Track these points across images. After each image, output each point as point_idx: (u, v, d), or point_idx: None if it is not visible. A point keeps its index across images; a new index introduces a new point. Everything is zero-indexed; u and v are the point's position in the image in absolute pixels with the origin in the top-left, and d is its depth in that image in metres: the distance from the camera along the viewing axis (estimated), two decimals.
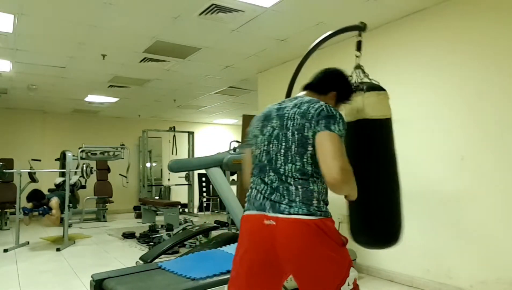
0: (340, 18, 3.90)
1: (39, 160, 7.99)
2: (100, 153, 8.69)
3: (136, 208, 9.33)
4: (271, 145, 1.52)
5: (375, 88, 1.99)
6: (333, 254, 1.42)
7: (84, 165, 7.59)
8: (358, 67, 2.12)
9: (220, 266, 2.81)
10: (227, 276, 2.63)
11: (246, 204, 1.58)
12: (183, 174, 9.63)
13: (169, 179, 9.87)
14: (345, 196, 1.55)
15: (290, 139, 1.47)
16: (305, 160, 1.45)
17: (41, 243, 5.99)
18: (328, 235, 1.41)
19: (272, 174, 1.50)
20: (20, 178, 5.91)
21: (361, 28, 2.17)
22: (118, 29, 4.27)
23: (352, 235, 2.01)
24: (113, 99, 8.12)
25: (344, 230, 1.99)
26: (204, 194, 10.39)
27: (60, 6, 3.66)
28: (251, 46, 4.88)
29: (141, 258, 4.02)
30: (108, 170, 9.42)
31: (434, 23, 3.62)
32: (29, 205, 5.52)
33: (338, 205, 1.93)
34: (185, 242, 5.02)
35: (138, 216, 8.81)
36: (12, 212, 7.22)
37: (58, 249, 5.35)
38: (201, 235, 5.34)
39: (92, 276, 2.75)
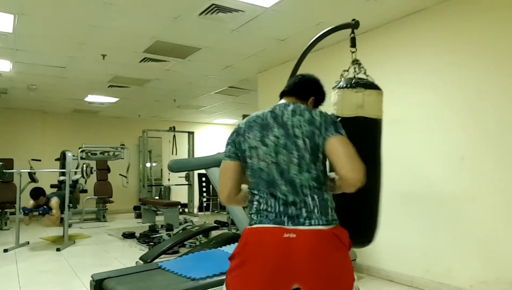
0: (340, 18, 3.87)
1: (39, 160, 7.99)
2: (100, 153, 8.70)
3: (136, 208, 9.34)
4: (280, 156, 1.45)
5: (375, 87, 1.99)
6: (345, 259, 1.46)
7: (84, 165, 7.58)
8: (355, 62, 2.14)
9: (220, 266, 2.80)
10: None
11: (253, 217, 1.49)
12: (183, 174, 9.64)
13: (169, 179, 9.87)
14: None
15: (302, 147, 1.43)
16: (318, 167, 1.45)
17: (41, 243, 5.99)
18: (342, 241, 1.44)
19: (284, 186, 1.44)
20: (20, 178, 5.92)
21: (353, 25, 2.20)
22: (118, 29, 4.27)
23: None
24: (113, 99, 8.12)
25: None
26: (204, 194, 10.39)
27: (60, 6, 3.66)
28: (251, 46, 4.88)
29: (141, 258, 4.02)
30: (108, 170, 9.42)
31: (434, 23, 3.62)
32: (30, 205, 5.52)
33: None
34: (185, 242, 5.02)
35: (138, 216, 8.81)
36: (12, 212, 7.23)
37: (58, 249, 5.35)
38: (201, 235, 5.34)
39: (92, 276, 2.75)
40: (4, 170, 6.33)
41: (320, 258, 1.39)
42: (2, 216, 7.48)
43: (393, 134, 3.84)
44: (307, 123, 1.45)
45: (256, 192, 1.52)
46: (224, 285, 1.54)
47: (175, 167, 4.17)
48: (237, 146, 1.55)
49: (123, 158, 8.86)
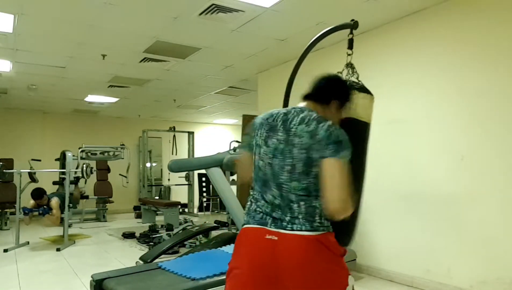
0: (340, 18, 3.87)
1: (39, 160, 8.00)
2: (100, 153, 8.70)
3: (136, 208, 9.33)
4: (275, 159, 1.47)
5: (367, 91, 1.99)
6: (334, 266, 1.44)
7: (84, 165, 7.60)
8: (349, 65, 2.12)
9: (220, 266, 2.81)
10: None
11: (245, 217, 1.54)
12: (183, 174, 9.63)
13: (169, 179, 9.87)
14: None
15: (296, 157, 1.43)
16: (310, 179, 1.42)
17: (41, 243, 5.99)
18: (329, 248, 1.43)
19: (274, 189, 1.46)
20: (20, 178, 5.92)
21: (352, 26, 2.17)
22: (118, 29, 4.27)
23: None
24: (113, 99, 8.12)
25: None
26: (204, 194, 10.39)
27: (60, 6, 3.66)
28: (251, 46, 4.88)
29: (141, 258, 4.02)
30: (108, 170, 9.42)
31: (434, 23, 3.62)
32: (30, 205, 5.53)
33: None
34: (185, 242, 5.02)
35: (138, 216, 8.81)
36: (12, 212, 7.23)
37: (58, 249, 5.35)
38: (201, 235, 5.34)
39: (92, 276, 2.75)
40: (4, 170, 6.33)
41: (304, 264, 1.38)
42: (2, 216, 7.48)
43: (393, 134, 3.85)
44: (308, 135, 1.43)
45: (252, 191, 1.56)
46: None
47: (175, 167, 4.17)
48: (250, 139, 1.61)
49: (123, 158, 8.86)
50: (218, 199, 9.80)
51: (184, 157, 9.95)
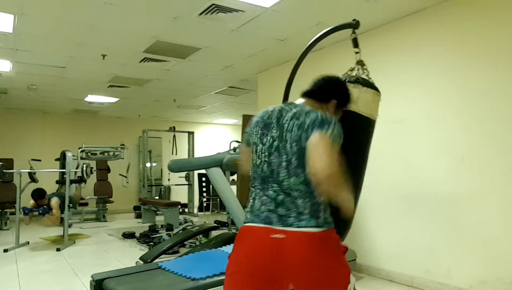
0: (340, 18, 3.87)
1: (39, 160, 8.00)
2: (100, 153, 8.70)
3: (136, 208, 9.33)
4: (272, 157, 1.48)
5: (373, 86, 1.99)
6: (337, 264, 1.45)
7: (84, 165, 7.60)
8: (359, 63, 2.13)
9: (220, 266, 2.80)
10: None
11: (247, 215, 1.53)
12: (183, 174, 9.63)
13: (169, 179, 9.87)
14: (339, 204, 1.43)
15: (289, 152, 1.43)
16: (307, 171, 1.41)
17: (41, 243, 5.99)
18: (332, 245, 1.44)
19: (275, 186, 1.46)
20: (20, 178, 5.92)
21: (354, 25, 2.18)
22: (118, 29, 4.27)
23: None
24: (113, 99, 8.12)
25: None
26: (204, 194, 10.39)
27: (60, 6, 3.66)
28: (251, 46, 4.88)
29: (141, 258, 4.02)
30: (108, 170, 9.42)
31: (434, 23, 3.62)
32: (30, 205, 5.53)
33: None
34: (185, 242, 5.02)
35: (138, 216, 8.81)
36: (12, 212, 7.23)
37: (58, 249, 5.35)
38: (201, 235, 5.34)
39: (92, 276, 2.75)
40: (4, 170, 6.33)
41: (311, 261, 1.38)
42: (2, 216, 7.48)
43: (393, 134, 3.85)
44: (297, 127, 1.44)
45: (253, 189, 1.55)
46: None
47: (175, 167, 4.17)
48: (248, 137, 1.62)
49: (123, 158, 8.86)
50: (218, 199, 9.79)
51: (184, 157, 9.95)
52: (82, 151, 8.16)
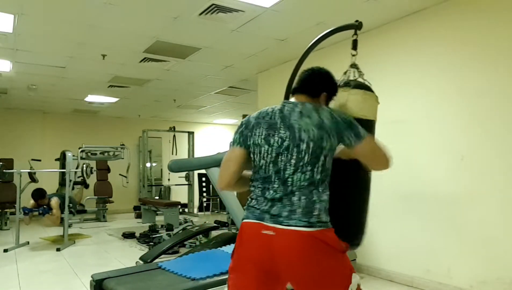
0: (340, 18, 3.88)
1: (39, 160, 8.00)
2: (100, 153, 8.70)
3: (136, 208, 9.33)
4: (281, 157, 1.48)
5: (363, 86, 1.97)
6: (334, 263, 1.43)
7: (84, 165, 7.61)
8: (354, 66, 2.12)
9: (220, 266, 2.81)
10: (227, 276, 2.64)
11: (245, 212, 1.55)
12: (183, 174, 9.63)
13: (169, 179, 9.87)
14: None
15: (304, 150, 1.44)
16: (316, 169, 1.45)
17: (41, 243, 5.99)
18: (328, 244, 1.42)
19: (277, 184, 1.47)
20: (20, 178, 5.92)
21: (356, 26, 2.17)
22: (118, 29, 4.27)
23: None
24: (113, 99, 8.12)
25: None
26: (204, 194, 10.39)
27: (60, 6, 3.66)
28: (251, 46, 4.88)
29: (141, 258, 4.02)
30: (108, 170, 9.42)
31: (434, 23, 3.62)
32: (30, 205, 5.53)
33: None
34: (185, 242, 5.02)
35: (138, 216, 8.81)
36: (12, 212, 7.23)
37: (58, 249, 5.35)
38: (201, 235, 5.34)
39: (92, 276, 2.75)
40: (4, 170, 6.34)
41: (301, 260, 1.38)
42: (2, 216, 7.48)
43: (393, 134, 3.84)
44: (316, 127, 1.45)
45: (253, 188, 1.56)
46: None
47: (175, 167, 4.17)
48: (243, 138, 1.58)
49: (123, 158, 8.86)
50: (218, 199, 9.80)
51: (184, 157, 9.95)
52: (82, 151, 8.16)
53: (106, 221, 8.47)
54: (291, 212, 1.42)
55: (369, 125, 2.00)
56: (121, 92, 7.44)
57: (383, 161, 1.54)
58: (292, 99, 1.64)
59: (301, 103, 1.56)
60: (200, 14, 3.85)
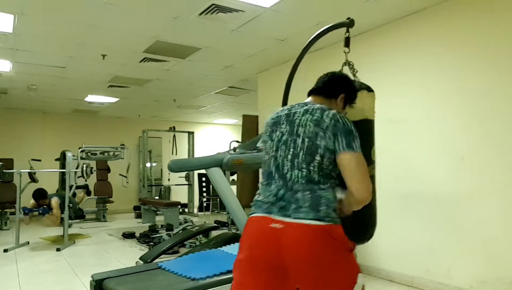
0: (340, 18, 3.86)
1: (39, 160, 8.00)
2: (100, 153, 8.70)
3: (136, 208, 9.33)
4: (278, 151, 1.51)
5: (367, 87, 1.99)
6: (341, 259, 1.41)
7: (84, 165, 7.61)
8: (347, 63, 2.14)
9: (220, 266, 2.81)
10: (227, 276, 2.64)
11: (252, 207, 1.55)
12: (183, 174, 9.63)
13: (169, 179, 9.87)
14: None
15: (299, 146, 1.46)
16: (311, 168, 1.44)
17: (41, 243, 5.99)
18: (336, 240, 1.40)
19: (278, 180, 1.49)
20: (20, 178, 5.91)
21: (348, 24, 2.19)
22: (118, 29, 4.27)
23: None
24: (113, 99, 8.13)
25: None
26: (204, 194, 10.39)
27: (60, 6, 3.66)
28: (251, 46, 4.88)
29: (141, 258, 4.02)
30: (108, 170, 9.42)
31: (434, 23, 3.62)
32: (30, 205, 5.53)
33: None
34: (185, 242, 5.02)
35: (138, 216, 8.81)
36: (12, 212, 7.23)
37: (58, 249, 5.35)
38: (201, 235, 5.34)
39: (92, 276, 2.75)
40: (4, 170, 6.33)
41: (309, 254, 1.36)
42: (2, 216, 7.48)
43: (393, 134, 3.85)
44: (313, 123, 1.46)
45: (259, 184, 1.59)
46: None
47: (175, 167, 4.16)
48: (262, 140, 1.66)
49: (123, 158, 8.86)
50: (218, 199, 9.80)
51: (184, 157, 9.95)
52: (82, 151, 8.15)
53: (106, 221, 8.47)
54: (298, 207, 1.41)
55: (371, 124, 2.01)
56: (121, 92, 7.44)
57: (364, 185, 1.41)
58: (307, 100, 1.65)
59: (312, 103, 1.58)
60: (200, 14, 3.85)
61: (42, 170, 7.43)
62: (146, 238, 5.89)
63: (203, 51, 5.04)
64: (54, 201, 5.63)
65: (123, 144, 8.99)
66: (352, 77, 2.03)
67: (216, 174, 4.16)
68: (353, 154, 1.42)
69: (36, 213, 5.59)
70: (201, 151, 10.28)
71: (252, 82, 6.49)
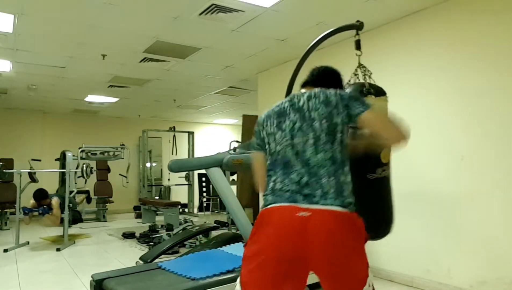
0: (340, 18, 3.89)
1: (39, 160, 8.00)
2: (100, 153, 8.70)
3: (136, 208, 9.33)
4: (296, 139, 1.50)
5: (380, 93, 2.03)
6: (361, 249, 1.44)
7: (84, 165, 7.61)
8: (361, 66, 2.15)
9: (220, 266, 2.81)
10: (227, 276, 2.64)
11: (268, 197, 1.50)
12: (183, 174, 9.63)
13: (169, 179, 9.87)
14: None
15: (318, 128, 1.47)
16: (335, 147, 1.47)
17: (41, 243, 5.99)
18: (359, 229, 1.43)
19: (300, 167, 1.46)
20: (20, 178, 5.91)
21: (358, 26, 2.19)
22: (118, 29, 4.27)
23: None
24: (113, 99, 8.13)
25: None
26: (204, 194, 10.39)
27: (60, 6, 3.66)
28: (251, 46, 4.88)
29: (141, 258, 4.02)
30: (108, 170, 9.42)
31: (434, 23, 3.62)
32: (30, 205, 5.53)
33: None
34: (185, 242, 5.02)
35: (138, 216, 8.81)
36: (12, 212, 7.23)
37: (58, 249, 5.35)
38: (201, 235, 5.34)
39: (92, 276, 2.75)
40: (4, 170, 6.34)
41: (336, 242, 1.36)
42: (2, 216, 7.48)
43: None
44: (323, 104, 1.50)
45: (272, 173, 1.55)
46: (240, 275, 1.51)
47: (175, 167, 4.16)
48: (257, 136, 1.66)
49: (123, 158, 8.86)
50: (218, 199, 9.80)
51: (184, 157, 9.95)
52: (82, 151, 8.16)
53: (106, 221, 8.47)
54: (324, 193, 1.41)
55: None
56: (121, 92, 7.44)
57: (397, 129, 1.47)
58: (302, 90, 1.69)
59: (309, 90, 1.61)
60: (200, 14, 3.85)
61: (42, 170, 7.43)
62: (146, 238, 5.89)
63: (203, 51, 5.04)
64: (55, 201, 5.63)
65: (123, 144, 8.99)
66: (367, 80, 2.09)
67: (216, 174, 4.16)
68: (371, 108, 1.49)
69: (36, 213, 5.59)
70: (201, 151, 10.28)
71: (252, 82, 6.49)
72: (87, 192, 7.70)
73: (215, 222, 6.71)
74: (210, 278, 2.66)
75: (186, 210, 9.48)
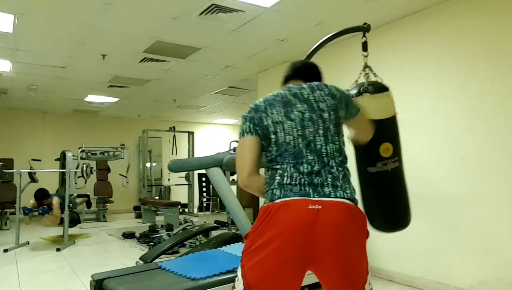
0: (340, 18, 3.90)
1: (39, 160, 8.00)
2: (100, 153, 8.71)
3: (136, 208, 9.34)
4: (306, 129, 1.49)
5: (379, 90, 2.04)
6: (365, 246, 1.46)
7: (84, 165, 7.61)
8: (367, 67, 2.18)
9: (220, 266, 2.81)
10: (227, 276, 2.64)
11: (274, 191, 1.44)
12: (183, 174, 9.64)
13: (169, 179, 9.87)
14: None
15: (327, 120, 1.51)
16: (341, 139, 1.54)
17: (41, 243, 5.99)
18: (363, 223, 1.46)
19: (311, 157, 1.46)
20: (20, 178, 5.91)
21: (365, 29, 2.21)
22: (118, 29, 4.27)
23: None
24: (113, 99, 8.12)
25: None
26: (204, 194, 10.39)
27: (60, 6, 3.66)
28: (251, 46, 4.88)
29: (141, 258, 4.02)
30: (108, 170, 9.42)
31: (435, 23, 3.62)
32: (30, 205, 5.53)
33: None
34: (185, 242, 5.02)
35: (138, 216, 8.81)
36: (12, 212, 7.23)
37: (58, 249, 5.36)
38: (201, 235, 5.34)
39: (92, 276, 2.75)
40: (4, 170, 6.34)
41: (346, 237, 1.37)
42: (2, 216, 7.47)
43: None
44: (330, 97, 1.54)
45: (279, 166, 1.49)
46: (239, 268, 1.46)
47: (175, 167, 4.16)
48: (257, 122, 1.55)
49: (123, 158, 8.86)
50: (218, 199, 9.80)
51: (184, 157, 9.95)
52: (82, 151, 8.16)
53: (106, 221, 8.47)
54: (334, 185, 1.42)
55: (393, 120, 2.14)
56: (121, 92, 7.44)
57: (371, 130, 1.80)
58: (290, 84, 1.67)
59: (305, 83, 1.62)
60: (200, 14, 3.85)
61: (42, 170, 7.44)
62: (146, 238, 5.89)
63: (203, 51, 5.04)
64: (55, 201, 5.63)
65: (123, 144, 8.99)
66: (376, 79, 2.12)
67: (216, 174, 4.16)
68: (361, 111, 1.69)
69: (36, 213, 5.59)
70: (201, 151, 10.28)
71: (252, 82, 6.49)
72: (87, 196, 7.69)
73: (215, 222, 6.72)
74: (210, 278, 2.67)
75: (186, 210, 9.48)
